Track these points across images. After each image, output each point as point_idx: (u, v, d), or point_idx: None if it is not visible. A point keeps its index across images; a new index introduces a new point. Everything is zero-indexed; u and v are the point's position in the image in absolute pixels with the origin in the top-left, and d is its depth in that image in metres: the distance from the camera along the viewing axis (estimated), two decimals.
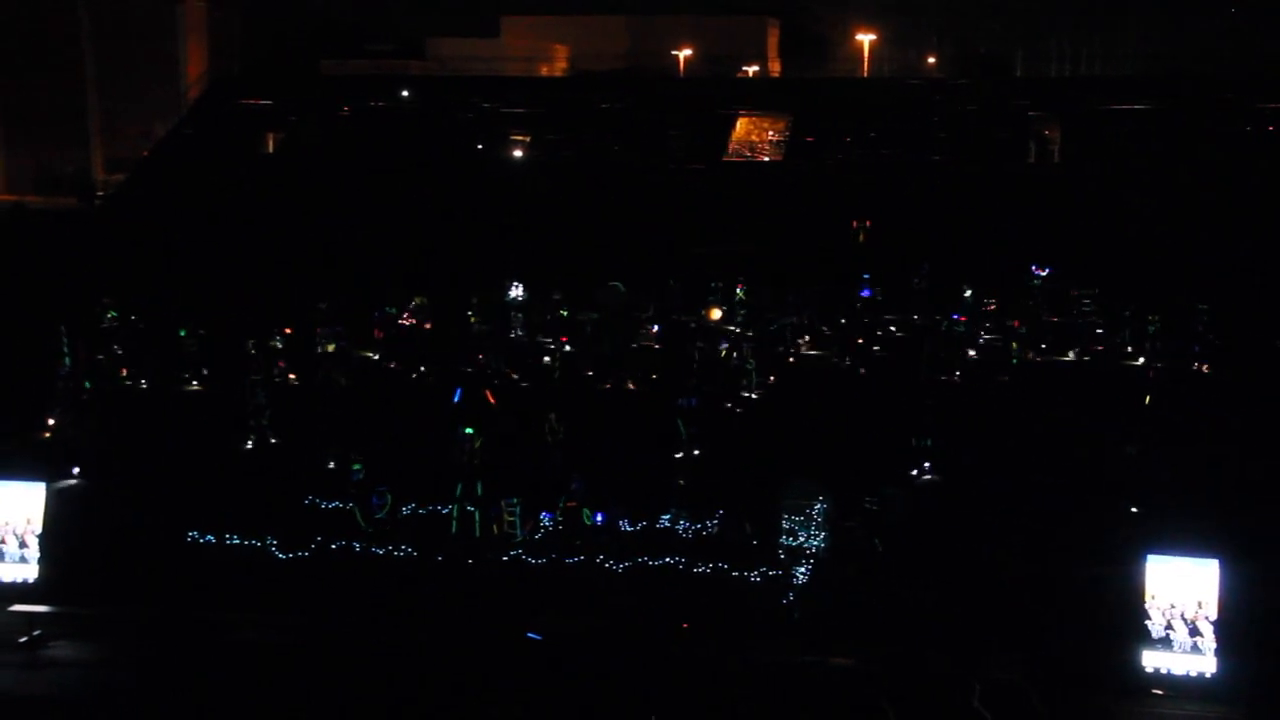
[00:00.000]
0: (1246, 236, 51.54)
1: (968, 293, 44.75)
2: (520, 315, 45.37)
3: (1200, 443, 32.88)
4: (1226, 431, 33.52)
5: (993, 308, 44.82)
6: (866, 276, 46.26)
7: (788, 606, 26.57)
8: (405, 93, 71.15)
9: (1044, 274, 46.60)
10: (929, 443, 32.86)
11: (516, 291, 45.85)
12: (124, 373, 41.02)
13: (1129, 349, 42.59)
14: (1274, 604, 24.69)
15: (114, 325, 40.98)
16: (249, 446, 35.79)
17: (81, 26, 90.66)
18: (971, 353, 42.27)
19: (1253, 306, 44.00)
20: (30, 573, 27.54)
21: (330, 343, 41.52)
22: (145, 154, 72.49)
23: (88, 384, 38.34)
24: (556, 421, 33.03)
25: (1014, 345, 42.35)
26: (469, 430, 30.90)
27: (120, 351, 41.42)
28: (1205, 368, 40.70)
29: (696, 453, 34.07)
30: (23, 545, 27.60)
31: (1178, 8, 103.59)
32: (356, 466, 30.09)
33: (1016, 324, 43.64)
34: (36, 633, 26.13)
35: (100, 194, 75.02)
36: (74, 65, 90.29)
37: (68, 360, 38.53)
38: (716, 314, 45.47)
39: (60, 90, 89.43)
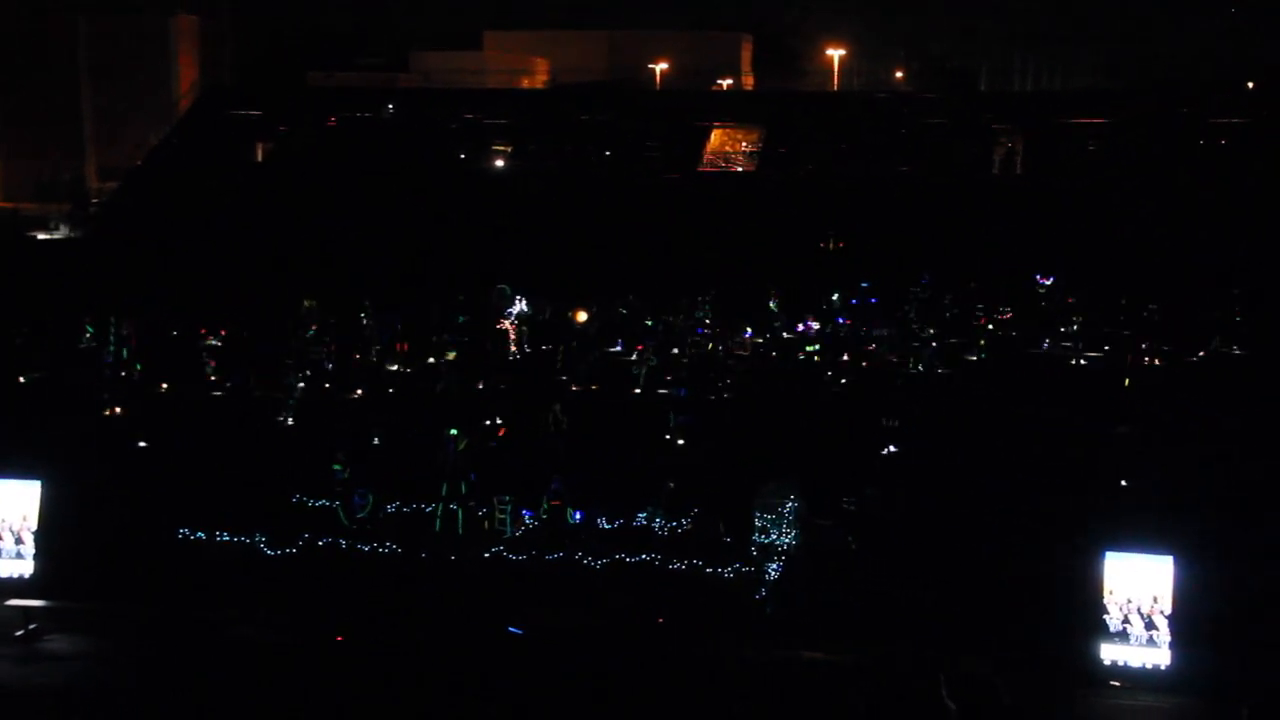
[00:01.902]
0: (1202, 240, 51.94)
1: (834, 297, 44.83)
2: (525, 328, 44.54)
3: (1154, 444, 33.05)
4: (1179, 433, 33.67)
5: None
6: (866, 285, 46.29)
7: (761, 602, 26.64)
8: (390, 106, 71.02)
9: (1048, 283, 46.97)
10: (897, 423, 33.15)
11: (520, 305, 45.12)
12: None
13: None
14: (1224, 598, 24.86)
15: (92, 345, 40.52)
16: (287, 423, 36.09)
17: (77, 39, 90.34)
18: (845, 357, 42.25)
19: (1210, 308, 44.25)
20: (26, 568, 27.49)
21: (451, 350, 40.82)
22: (138, 162, 72.19)
23: (139, 365, 38.81)
24: (561, 413, 33.05)
25: (982, 343, 42.58)
26: (453, 431, 30.89)
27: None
28: (1156, 361, 41.02)
29: (681, 442, 34.14)
30: (19, 541, 27.55)
31: (1135, 25, 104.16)
32: (337, 466, 30.04)
33: (984, 320, 43.87)
34: (32, 626, 26.07)
35: (95, 201, 74.76)
36: (70, 76, 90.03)
37: (111, 347, 39.00)
38: (583, 316, 44.96)
39: (56, 101, 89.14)
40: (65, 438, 34.67)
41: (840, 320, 43.75)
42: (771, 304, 45.33)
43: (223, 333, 41.35)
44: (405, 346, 41.93)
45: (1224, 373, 40.21)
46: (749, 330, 43.71)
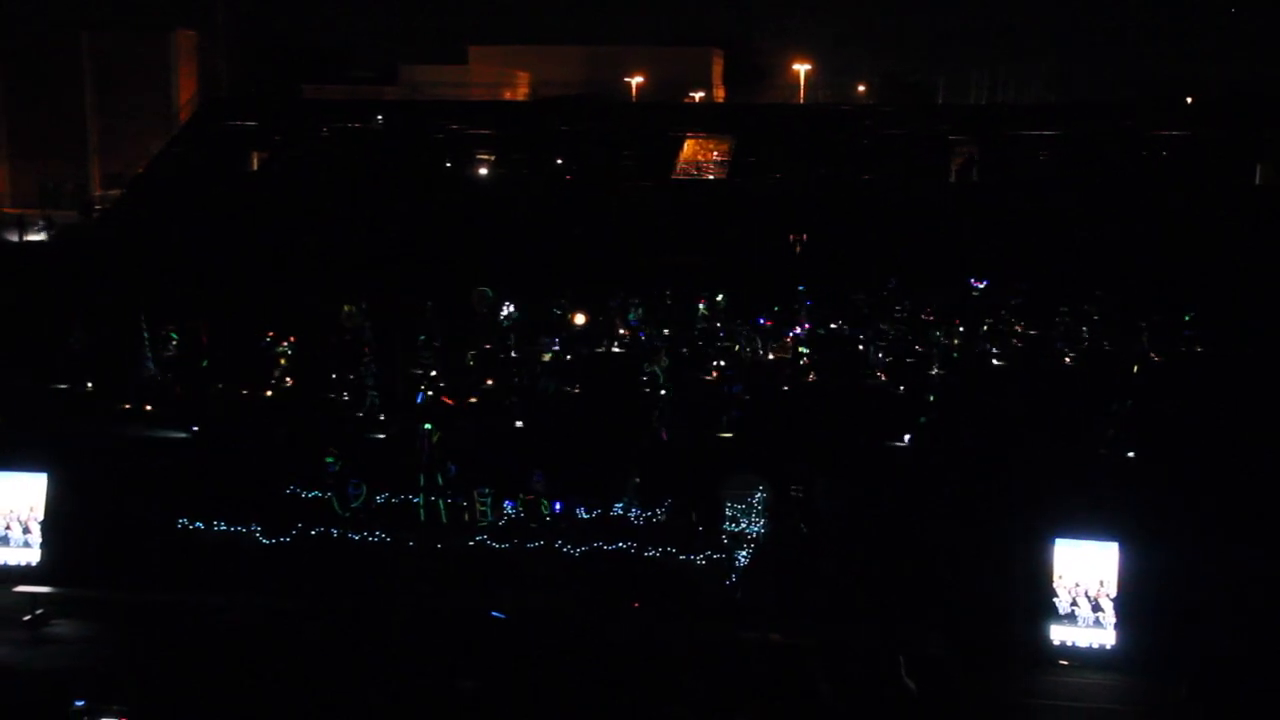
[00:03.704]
0: (1136, 248, 52.31)
1: (719, 298, 44.44)
2: (512, 336, 43.40)
3: (1099, 436, 33.19)
4: (1123, 426, 33.79)
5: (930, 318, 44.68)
6: (802, 289, 46.15)
7: (730, 588, 26.69)
8: (380, 117, 70.82)
9: (981, 286, 46.84)
10: (924, 420, 33.33)
11: (509, 309, 44.32)
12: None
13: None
14: (1166, 582, 25.04)
15: (176, 351, 39.70)
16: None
17: (82, 53, 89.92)
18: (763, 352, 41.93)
19: (1143, 310, 44.40)
20: (33, 556, 27.48)
21: (546, 353, 40.15)
22: (140, 171, 71.89)
23: (205, 363, 38.34)
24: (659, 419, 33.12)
25: (951, 345, 42.28)
26: (427, 426, 30.77)
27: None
28: (1067, 360, 41.03)
29: (731, 435, 33.91)
30: (26, 531, 27.55)
31: (1082, 42, 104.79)
32: (330, 459, 29.91)
33: (944, 323, 43.64)
34: (39, 611, 26.00)
35: (98, 208, 74.39)
36: (75, 89, 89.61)
37: (175, 338, 39.12)
38: (580, 319, 44.29)
39: (62, 112, 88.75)
40: (70, 433, 34.56)
41: (760, 321, 43.43)
42: (701, 307, 44.82)
43: (292, 338, 40.49)
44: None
45: (1160, 370, 40.37)
46: (789, 332, 43.10)
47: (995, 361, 41.85)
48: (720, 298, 44.87)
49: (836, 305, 45.98)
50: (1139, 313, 43.43)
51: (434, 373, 39.18)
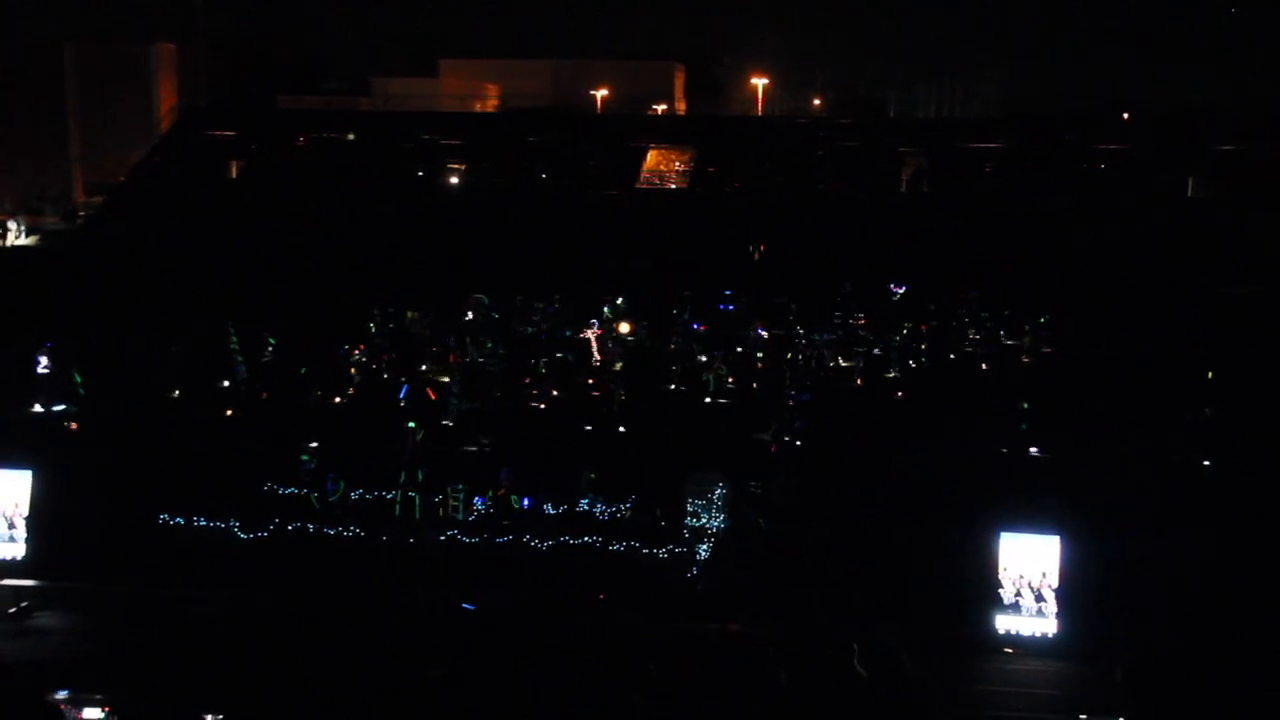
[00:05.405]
0: (1081, 254, 52.63)
1: (619, 301, 43.89)
2: (481, 339, 41.52)
3: (1043, 434, 33.38)
4: (1063, 424, 33.97)
5: (863, 322, 44.44)
6: (729, 293, 45.97)
7: (692, 580, 26.77)
8: (350, 135, 70.33)
9: (901, 290, 46.87)
10: (1026, 406, 33.11)
11: (470, 315, 43.65)
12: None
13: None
14: (1104, 573, 25.29)
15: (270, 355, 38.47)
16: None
17: (65, 64, 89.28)
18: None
19: (1086, 313, 44.64)
20: (18, 551, 27.32)
21: (618, 362, 38.63)
22: (121, 179, 71.30)
23: (303, 370, 37.26)
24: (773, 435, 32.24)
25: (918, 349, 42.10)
26: (411, 425, 30.78)
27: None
28: (984, 365, 41.02)
29: (800, 442, 33.00)
30: (11, 526, 27.39)
31: (1029, 58, 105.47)
32: (305, 457, 29.82)
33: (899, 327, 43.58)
34: (24, 604, 25.87)
35: (81, 215, 73.84)
36: (57, 100, 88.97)
37: (271, 344, 38.30)
38: (624, 327, 42.99)
39: (44, 123, 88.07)
40: (55, 430, 34.30)
41: (696, 326, 43.12)
42: (607, 310, 44.22)
43: (361, 346, 39.23)
44: (454, 358, 39.83)
45: (1097, 366, 40.55)
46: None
47: (912, 362, 41.69)
48: (620, 301, 44.41)
49: (792, 310, 45.93)
50: (1026, 316, 43.49)
51: (425, 368, 38.54)
